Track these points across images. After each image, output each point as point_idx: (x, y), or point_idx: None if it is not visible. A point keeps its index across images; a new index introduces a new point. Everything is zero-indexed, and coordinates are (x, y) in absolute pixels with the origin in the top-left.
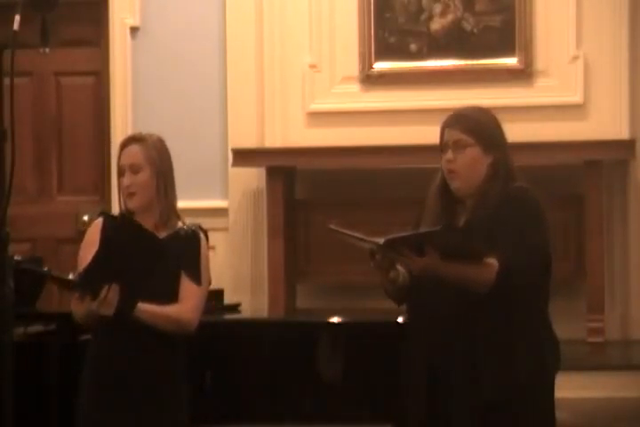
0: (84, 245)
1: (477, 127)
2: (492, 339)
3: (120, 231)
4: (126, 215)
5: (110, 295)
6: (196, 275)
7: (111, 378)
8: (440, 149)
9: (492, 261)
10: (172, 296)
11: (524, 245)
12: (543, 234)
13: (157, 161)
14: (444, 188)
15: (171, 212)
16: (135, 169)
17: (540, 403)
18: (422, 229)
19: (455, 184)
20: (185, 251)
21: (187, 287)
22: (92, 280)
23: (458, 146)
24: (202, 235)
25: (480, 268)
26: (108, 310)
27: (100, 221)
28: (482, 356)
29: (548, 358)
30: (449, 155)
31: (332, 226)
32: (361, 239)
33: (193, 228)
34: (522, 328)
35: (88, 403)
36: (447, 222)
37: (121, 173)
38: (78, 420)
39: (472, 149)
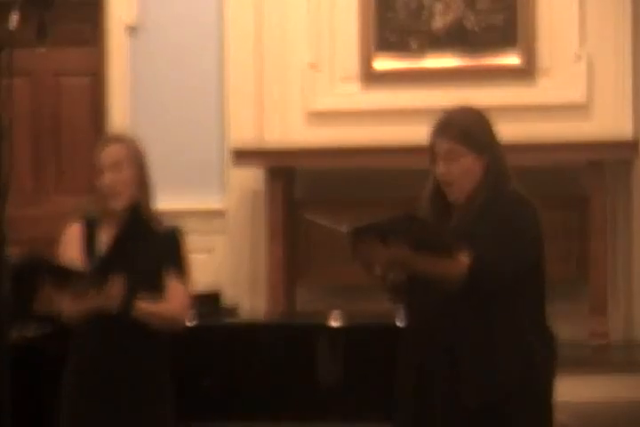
0: (64, 245)
1: (467, 133)
2: (474, 339)
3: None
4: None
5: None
6: (182, 273)
7: (94, 378)
8: (430, 157)
9: (464, 258)
10: (156, 293)
11: (502, 247)
12: (526, 239)
13: (140, 160)
14: (437, 191)
15: (151, 214)
16: (118, 167)
17: (530, 403)
18: (386, 217)
19: (453, 195)
20: (167, 249)
21: (174, 286)
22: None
23: (450, 157)
24: (181, 233)
25: (451, 262)
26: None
27: (77, 225)
28: (464, 356)
29: (537, 358)
30: (442, 168)
31: (308, 216)
32: (331, 228)
33: (172, 226)
34: (507, 328)
35: (70, 402)
36: (408, 211)
37: (100, 174)
38: (60, 419)
39: (466, 158)
